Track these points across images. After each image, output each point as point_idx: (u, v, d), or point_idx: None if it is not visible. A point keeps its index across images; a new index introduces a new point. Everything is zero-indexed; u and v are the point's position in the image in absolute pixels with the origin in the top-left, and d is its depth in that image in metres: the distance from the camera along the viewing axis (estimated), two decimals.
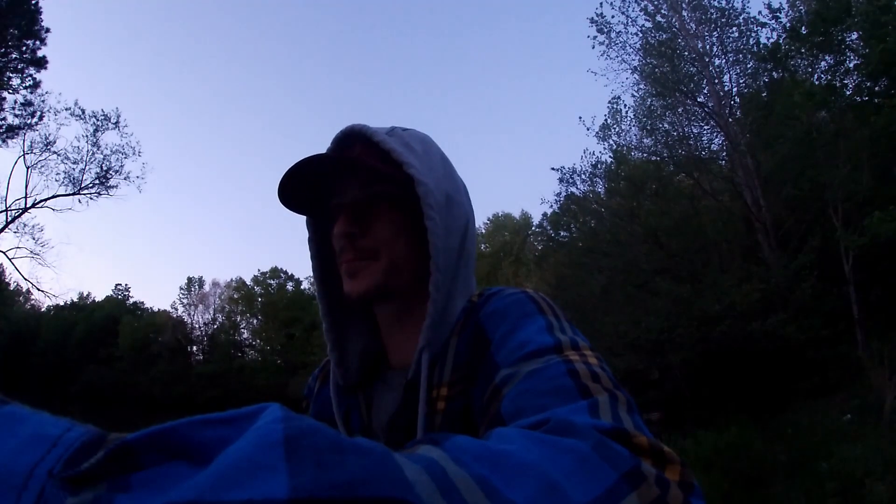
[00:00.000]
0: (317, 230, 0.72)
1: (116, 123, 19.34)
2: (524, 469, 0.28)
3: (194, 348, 42.14)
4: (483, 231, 40.77)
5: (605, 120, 14.19)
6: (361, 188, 0.63)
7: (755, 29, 12.10)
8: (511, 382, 0.45)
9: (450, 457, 0.27)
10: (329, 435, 0.23)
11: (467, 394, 0.55)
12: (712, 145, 13.24)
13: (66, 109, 18.39)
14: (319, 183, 0.65)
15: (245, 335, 42.42)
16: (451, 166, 0.70)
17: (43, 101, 17.53)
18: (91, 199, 19.39)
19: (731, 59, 12.61)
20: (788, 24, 10.87)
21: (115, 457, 0.20)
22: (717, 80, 12.64)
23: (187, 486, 0.19)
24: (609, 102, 14.27)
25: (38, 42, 16.65)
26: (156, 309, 45.90)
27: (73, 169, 18.94)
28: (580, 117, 20.23)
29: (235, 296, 42.45)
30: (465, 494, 0.24)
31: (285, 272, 42.81)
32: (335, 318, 0.71)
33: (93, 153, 19.08)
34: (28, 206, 18.58)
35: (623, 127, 14.16)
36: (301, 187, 0.64)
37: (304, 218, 0.72)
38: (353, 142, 0.65)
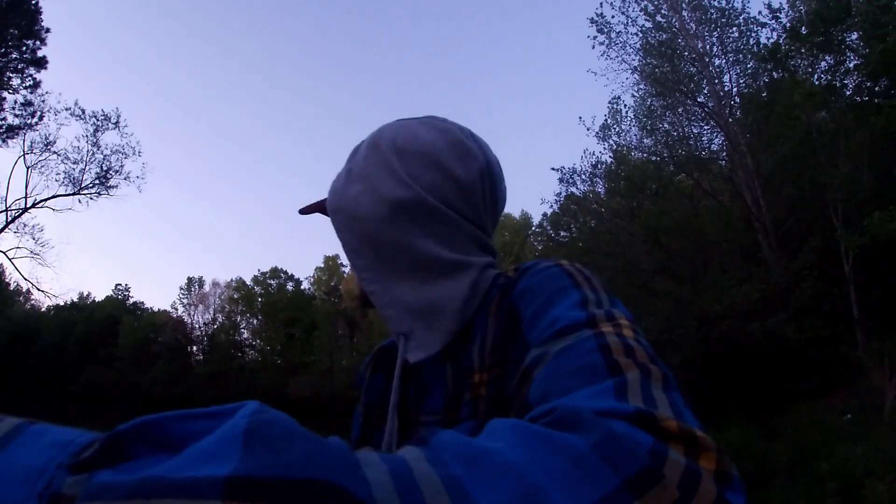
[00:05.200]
0: None
1: (116, 123, 19.38)
2: (504, 471, 0.25)
3: (194, 348, 42.13)
4: None
5: (605, 120, 14.21)
6: None
7: (755, 29, 12.13)
8: (541, 364, 0.42)
9: (427, 456, 0.26)
10: (286, 425, 0.24)
11: (504, 377, 0.53)
12: (712, 145, 13.26)
13: (66, 109, 18.43)
14: None
15: (245, 335, 42.39)
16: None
17: (43, 101, 17.58)
18: (91, 199, 19.44)
19: (731, 59, 12.62)
20: (788, 24, 10.89)
21: (109, 446, 0.23)
22: (717, 80, 12.63)
23: (160, 467, 0.22)
24: (609, 102, 14.29)
25: (38, 42, 16.70)
26: (156, 309, 45.95)
27: (73, 169, 18.99)
28: (580, 117, 20.16)
29: (235, 296, 42.41)
30: (426, 496, 0.23)
31: (285, 272, 42.81)
32: None
33: (93, 153, 19.12)
34: (28, 206, 18.62)
35: (623, 127, 14.18)
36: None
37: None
38: None
